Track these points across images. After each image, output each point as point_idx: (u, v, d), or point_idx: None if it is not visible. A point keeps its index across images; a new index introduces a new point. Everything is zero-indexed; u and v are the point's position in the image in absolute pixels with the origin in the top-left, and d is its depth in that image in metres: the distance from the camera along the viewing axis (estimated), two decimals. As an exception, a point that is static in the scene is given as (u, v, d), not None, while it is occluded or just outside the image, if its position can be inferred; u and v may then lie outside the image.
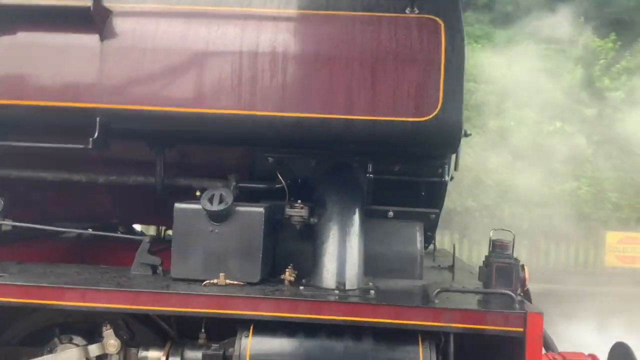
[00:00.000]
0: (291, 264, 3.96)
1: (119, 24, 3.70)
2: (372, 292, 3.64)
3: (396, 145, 3.74)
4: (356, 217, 3.92)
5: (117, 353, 3.61)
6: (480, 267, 3.95)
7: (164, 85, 3.67)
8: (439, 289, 3.52)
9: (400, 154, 3.88)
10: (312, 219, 3.97)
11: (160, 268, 3.94)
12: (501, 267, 3.78)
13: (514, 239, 3.88)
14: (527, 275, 3.80)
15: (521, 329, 3.35)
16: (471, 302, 3.60)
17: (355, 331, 3.48)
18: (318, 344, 3.46)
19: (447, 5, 3.72)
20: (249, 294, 3.52)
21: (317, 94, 3.60)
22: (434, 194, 4.19)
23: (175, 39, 3.70)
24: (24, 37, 3.71)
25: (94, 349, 3.62)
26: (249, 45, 3.69)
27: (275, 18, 3.74)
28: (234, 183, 4.08)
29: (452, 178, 4.10)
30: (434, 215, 4.27)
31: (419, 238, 4.22)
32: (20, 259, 4.13)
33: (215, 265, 3.74)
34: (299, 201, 4.00)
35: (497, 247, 3.87)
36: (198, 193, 4.10)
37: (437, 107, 3.52)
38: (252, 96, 3.64)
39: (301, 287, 3.69)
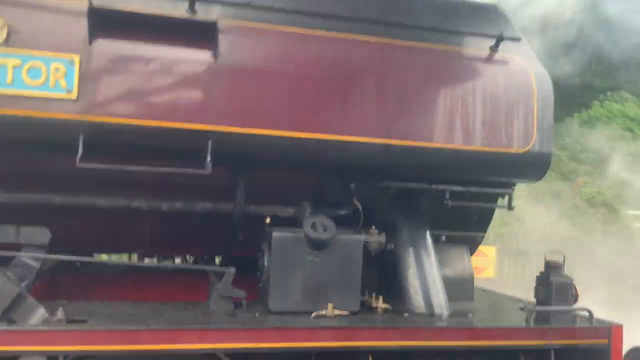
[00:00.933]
0: (367, 291, 3.98)
1: (233, 41, 3.40)
2: (470, 315, 3.80)
3: (494, 174, 3.97)
4: (430, 243, 4.07)
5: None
6: (535, 287, 4.32)
7: (278, 109, 3.47)
8: (531, 310, 3.80)
9: (489, 181, 4.10)
10: (388, 245, 4.02)
11: (244, 301, 3.69)
12: (560, 285, 4.18)
13: (564, 259, 4.31)
14: (578, 292, 4.25)
15: (606, 341, 3.77)
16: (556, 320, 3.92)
17: (466, 354, 3.62)
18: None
19: (524, 49, 4.05)
20: (372, 324, 3.49)
21: (434, 124, 3.69)
22: (485, 218, 4.48)
23: (291, 62, 3.51)
24: (129, 48, 3.24)
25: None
26: (367, 75, 3.65)
27: (393, 49, 3.74)
28: (308, 210, 3.95)
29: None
30: (480, 239, 4.56)
31: (468, 260, 4.49)
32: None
33: (315, 296, 3.62)
34: (373, 227, 4.03)
35: (553, 268, 4.26)
36: (268, 220, 3.92)
37: (532, 141, 3.83)
38: (365, 124, 3.62)
39: (405, 314, 3.74)
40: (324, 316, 3.56)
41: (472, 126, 3.77)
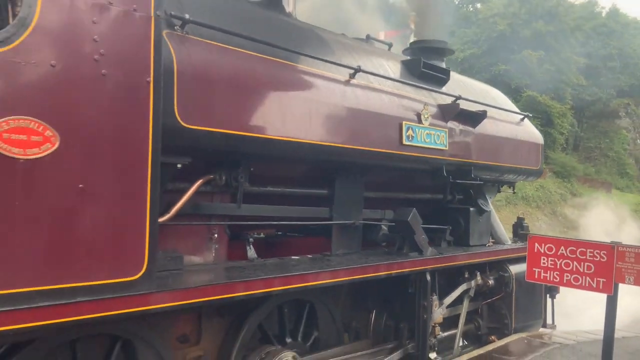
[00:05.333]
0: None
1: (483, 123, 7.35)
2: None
3: (525, 176, 8.66)
4: (492, 209, 8.60)
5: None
6: (514, 228, 9.14)
7: (488, 150, 7.54)
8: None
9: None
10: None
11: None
12: (525, 227, 9.14)
13: (523, 216, 9.30)
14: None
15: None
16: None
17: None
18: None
19: (528, 120, 8.83)
20: (507, 248, 7.91)
21: (506, 154, 8.13)
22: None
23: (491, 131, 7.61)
24: (458, 125, 6.93)
25: (473, 283, 7.26)
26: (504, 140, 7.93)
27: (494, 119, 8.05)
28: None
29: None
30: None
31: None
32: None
33: (481, 236, 7.79)
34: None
35: (521, 219, 9.20)
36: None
37: (539, 164, 8.66)
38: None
39: (501, 245, 8.21)
40: (489, 245, 7.80)
41: (521, 156, 8.39)
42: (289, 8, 6.43)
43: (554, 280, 5.90)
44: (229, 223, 5.15)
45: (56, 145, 3.32)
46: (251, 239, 5.42)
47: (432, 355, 6.40)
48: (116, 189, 3.61)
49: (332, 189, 6.04)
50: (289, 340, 5.46)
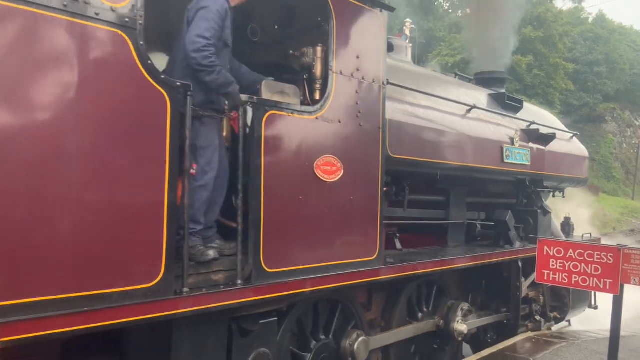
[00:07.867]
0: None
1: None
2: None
3: (575, 184, 10.60)
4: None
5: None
6: (561, 227, 11.09)
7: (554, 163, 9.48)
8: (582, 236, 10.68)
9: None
10: (540, 213, 10.39)
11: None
12: (571, 226, 11.10)
13: (570, 217, 11.25)
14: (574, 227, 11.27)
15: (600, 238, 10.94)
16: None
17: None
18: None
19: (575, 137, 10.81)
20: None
21: (562, 166, 10.11)
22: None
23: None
24: (535, 144, 8.84)
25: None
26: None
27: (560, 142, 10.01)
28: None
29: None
30: (541, 208, 11.21)
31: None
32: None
33: (545, 233, 9.75)
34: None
35: (568, 219, 11.15)
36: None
37: (585, 173, 10.63)
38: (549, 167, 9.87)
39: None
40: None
41: (573, 167, 10.33)
42: (408, 57, 8.34)
43: (563, 281, 6.01)
44: (391, 222, 7.03)
45: (342, 173, 5.19)
46: (398, 234, 7.29)
47: (537, 317, 8.36)
48: (365, 199, 5.49)
49: (448, 196, 7.94)
50: (425, 309, 7.32)
